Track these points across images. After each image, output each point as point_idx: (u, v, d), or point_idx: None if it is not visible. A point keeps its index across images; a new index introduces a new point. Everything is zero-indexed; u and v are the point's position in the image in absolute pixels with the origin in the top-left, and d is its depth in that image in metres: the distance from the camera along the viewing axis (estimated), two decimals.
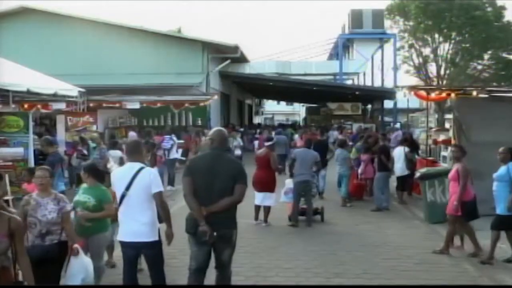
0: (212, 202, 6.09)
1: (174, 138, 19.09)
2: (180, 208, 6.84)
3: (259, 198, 12.21)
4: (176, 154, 18.74)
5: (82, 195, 7.25)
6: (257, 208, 12.32)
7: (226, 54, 31.46)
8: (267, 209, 12.29)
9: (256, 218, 12.29)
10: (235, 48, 30.84)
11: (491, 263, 8.97)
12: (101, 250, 7.39)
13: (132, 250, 6.45)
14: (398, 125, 36.92)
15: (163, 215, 6.39)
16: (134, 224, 6.30)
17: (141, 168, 6.39)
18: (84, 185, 7.45)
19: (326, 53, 57.71)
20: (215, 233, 6.02)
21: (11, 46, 24.53)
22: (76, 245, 6.37)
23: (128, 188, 6.31)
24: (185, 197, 6.27)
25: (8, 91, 12.75)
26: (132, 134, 21.12)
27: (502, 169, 9.07)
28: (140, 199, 6.29)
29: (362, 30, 48.30)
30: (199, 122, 28.47)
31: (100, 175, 7.54)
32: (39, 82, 14.39)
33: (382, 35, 47.53)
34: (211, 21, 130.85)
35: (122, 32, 29.18)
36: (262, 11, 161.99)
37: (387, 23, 45.89)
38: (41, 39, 27.95)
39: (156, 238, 6.40)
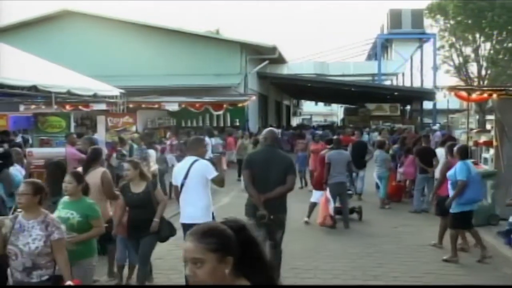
0: (268, 190, 7.21)
1: (207, 139, 19.19)
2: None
3: (317, 196, 12.61)
4: (210, 154, 18.83)
5: (63, 211, 5.89)
6: (313, 206, 12.66)
7: (264, 55, 31.54)
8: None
9: (309, 216, 12.60)
10: (273, 49, 30.89)
11: (453, 260, 9.13)
12: (88, 281, 5.95)
13: None
14: (436, 126, 36.39)
15: (221, 178, 7.52)
16: (191, 208, 7.21)
17: (195, 160, 7.33)
18: (64, 198, 6.08)
19: (364, 54, 57.40)
20: (271, 216, 7.12)
21: (53, 49, 25.07)
22: (69, 283, 4.88)
23: (185, 177, 7.23)
24: (246, 187, 7.56)
25: (50, 92, 13.02)
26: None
27: (452, 169, 9.32)
28: (195, 186, 7.22)
29: (401, 30, 47.80)
30: (237, 123, 28.57)
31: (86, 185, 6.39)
32: (80, 84, 14.64)
33: (422, 35, 46.97)
34: (248, 22, 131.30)
35: (161, 33, 29.51)
36: (300, 12, 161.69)
37: (427, 22, 45.28)
38: (82, 41, 28.43)
39: (210, 220, 7.03)
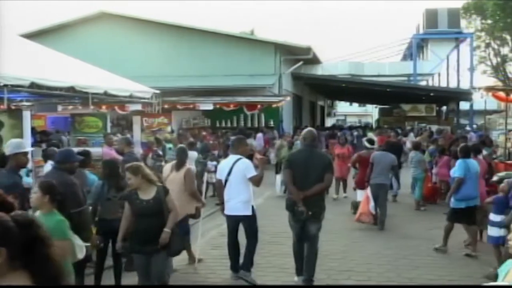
0: (307, 188, 7.63)
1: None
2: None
3: (361, 195, 12.80)
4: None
5: None
6: (356, 204, 13.05)
7: (298, 56, 31.44)
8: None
9: (354, 212, 12.85)
10: (308, 50, 30.79)
11: (443, 250, 9.85)
12: None
13: (233, 222, 8.17)
14: (473, 126, 35.73)
15: (258, 178, 8.08)
16: (233, 202, 8.04)
17: (238, 159, 8.13)
18: (38, 212, 5.42)
19: (399, 54, 56.82)
20: (310, 212, 7.59)
21: (90, 50, 25.43)
22: None
23: (229, 173, 8.04)
24: (287, 185, 8.60)
25: (87, 93, 13.20)
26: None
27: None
28: (237, 182, 8.01)
29: (437, 30, 47.17)
30: (272, 124, 28.59)
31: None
32: (116, 84, 14.81)
33: (458, 34, 46.28)
34: (283, 23, 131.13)
35: (196, 34, 29.67)
36: (336, 12, 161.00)
37: (463, 22, 44.61)
38: (119, 42, 28.77)
39: (249, 213, 8.10)
